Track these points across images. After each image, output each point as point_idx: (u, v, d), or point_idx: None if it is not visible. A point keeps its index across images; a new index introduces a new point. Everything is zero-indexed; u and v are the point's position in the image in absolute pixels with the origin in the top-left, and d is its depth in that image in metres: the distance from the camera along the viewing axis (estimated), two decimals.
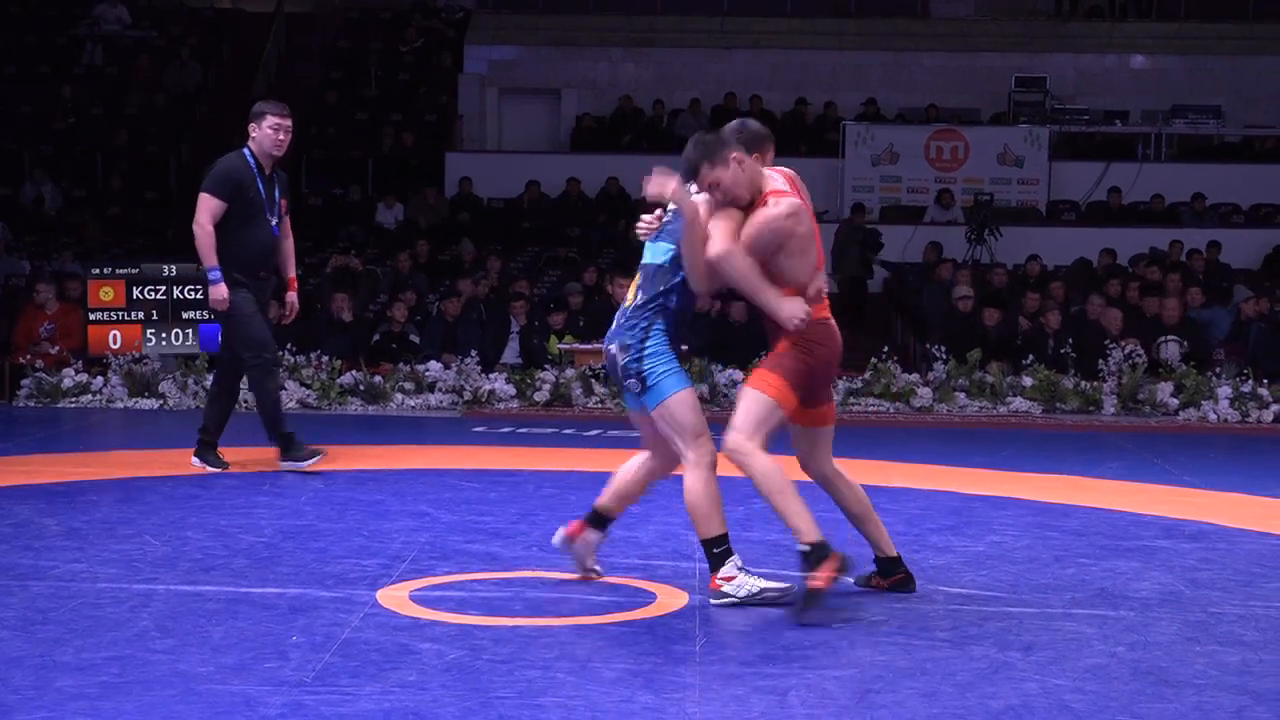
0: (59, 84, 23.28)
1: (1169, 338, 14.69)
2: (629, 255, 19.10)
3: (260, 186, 9.10)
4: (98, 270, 13.64)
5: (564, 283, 17.53)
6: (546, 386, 13.38)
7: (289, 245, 9.45)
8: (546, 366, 13.77)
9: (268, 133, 9.07)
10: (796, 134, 23.28)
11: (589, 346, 13.99)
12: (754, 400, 5.93)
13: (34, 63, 23.86)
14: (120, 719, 4.41)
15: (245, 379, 9.51)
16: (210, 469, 9.22)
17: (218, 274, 9.00)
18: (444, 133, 23.04)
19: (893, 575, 6.25)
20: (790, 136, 23.19)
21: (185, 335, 12.99)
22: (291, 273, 9.52)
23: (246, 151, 9.14)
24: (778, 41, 24.44)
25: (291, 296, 9.51)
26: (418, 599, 5.94)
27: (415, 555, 6.78)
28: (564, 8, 25.16)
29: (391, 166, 21.85)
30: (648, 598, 6.04)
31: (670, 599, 6.00)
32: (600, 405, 13.25)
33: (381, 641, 5.29)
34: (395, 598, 5.95)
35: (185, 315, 12.94)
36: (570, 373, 13.52)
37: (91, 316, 13.67)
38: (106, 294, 13.47)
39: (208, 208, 9.01)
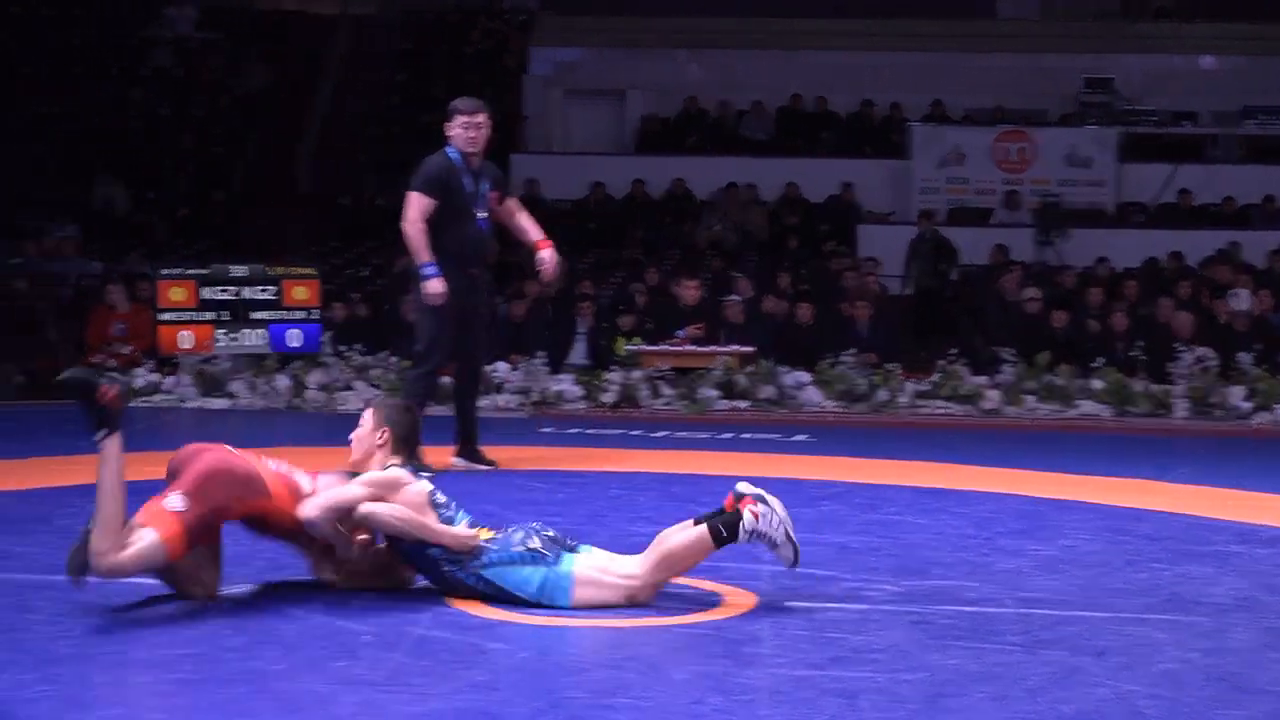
0: (128, 86, 23.47)
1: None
2: (694, 257, 19.13)
3: (465, 182, 9.19)
4: (167, 271, 13.75)
5: (628, 284, 17.54)
6: (614, 388, 13.40)
7: (521, 219, 9.61)
8: (614, 368, 13.78)
9: (458, 131, 9.19)
10: (862, 135, 23.25)
11: (656, 348, 13.99)
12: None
13: (103, 65, 24.06)
14: (195, 715, 4.44)
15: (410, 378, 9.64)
16: (478, 467, 9.44)
17: (433, 269, 9.09)
18: (509, 134, 23.08)
19: None
20: (855, 138, 23.17)
21: (255, 335, 13.09)
22: (538, 235, 9.57)
23: (450, 149, 9.21)
24: (843, 43, 24.37)
25: (546, 254, 9.51)
26: None
27: None
28: (628, 9, 25.17)
29: None
30: (715, 599, 6.02)
31: (738, 600, 5.99)
32: (668, 407, 13.24)
33: (452, 641, 5.30)
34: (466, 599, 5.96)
35: (254, 315, 13.03)
36: (637, 374, 13.53)
37: (162, 317, 13.80)
38: (177, 294, 13.59)
39: (417, 205, 9.11)
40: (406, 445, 6.03)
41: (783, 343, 14.74)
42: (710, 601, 5.98)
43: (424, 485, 5.85)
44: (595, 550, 5.88)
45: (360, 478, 5.82)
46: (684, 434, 11.87)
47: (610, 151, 23.99)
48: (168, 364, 13.94)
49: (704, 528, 5.82)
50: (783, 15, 24.79)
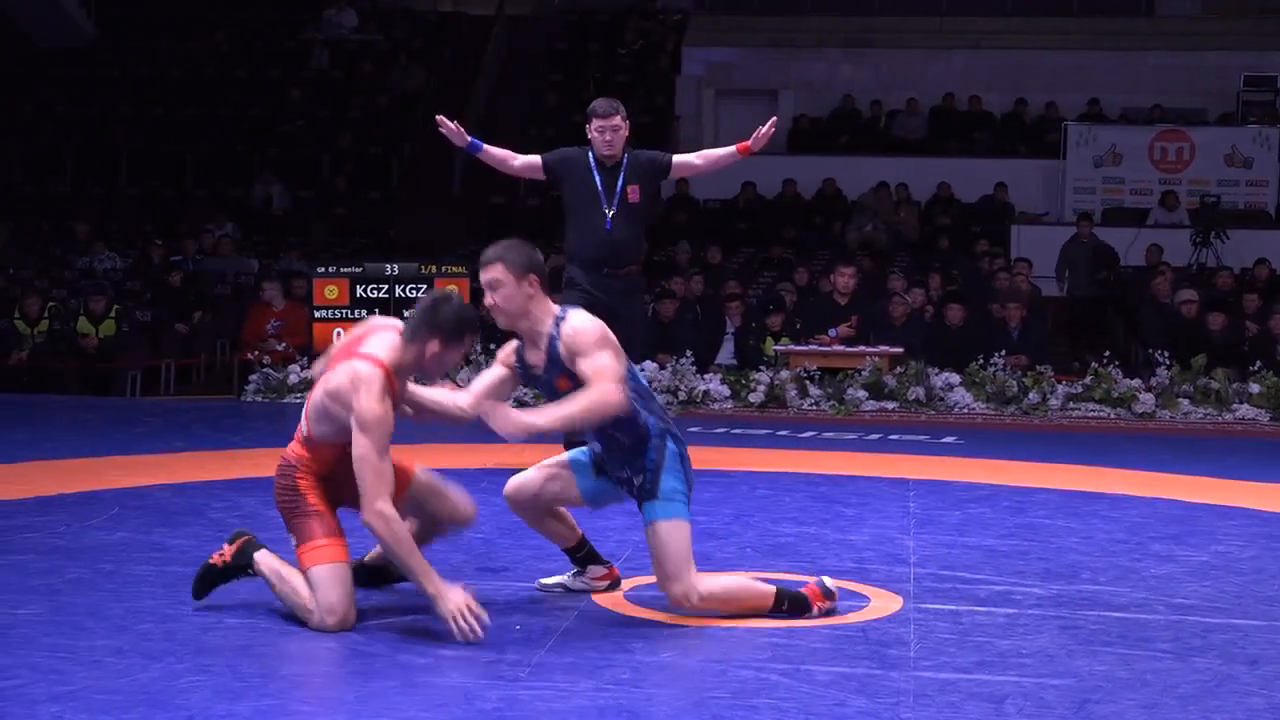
0: (287, 87, 23.84)
1: None
2: (844, 257, 19.05)
3: (596, 178, 9.03)
4: (322, 269, 13.97)
5: (778, 284, 17.50)
6: (761, 388, 13.38)
7: (706, 155, 9.44)
8: (761, 368, 13.76)
9: (594, 135, 9.06)
10: (1016, 135, 23.00)
11: (805, 348, 13.95)
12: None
13: (263, 67, 24.46)
14: (341, 708, 4.50)
15: None
16: None
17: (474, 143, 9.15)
18: (661, 134, 23.13)
19: None
20: (1010, 137, 22.93)
21: None
22: (730, 147, 9.33)
23: (589, 149, 9.14)
24: (997, 41, 24.11)
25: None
26: (632, 598, 5.98)
27: (630, 554, 6.81)
28: (781, 9, 25.12)
29: None
30: (861, 601, 5.99)
31: (884, 603, 5.95)
32: (815, 407, 13.20)
33: (596, 639, 5.32)
34: (610, 596, 5.99)
35: (407, 313, 13.15)
36: (785, 374, 13.50)
37: (316, 314, 14.03)
38: (331, 292, 13.80)
39: (531, 157, 9.22)
40: (548, 282, 5.67)
41: (932, 344, 14.63)
42: (856, 603, 5.96)
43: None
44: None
45: (591, 343, 5.44)
46: (831, 434, 11.83)
47: (762, 151, 23.90)
48: (313, 358, 14.13)
49: (775, 588, 5.70)
50: (936, 14, 24.60)
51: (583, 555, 6.03)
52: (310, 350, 14.23)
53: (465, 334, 5.55)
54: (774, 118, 9.31)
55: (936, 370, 13.54)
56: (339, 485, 5.55)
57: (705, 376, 13.69)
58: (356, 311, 13.81)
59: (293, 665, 4.92)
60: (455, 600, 5.21)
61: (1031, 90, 23.44)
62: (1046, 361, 14.14)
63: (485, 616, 5.20)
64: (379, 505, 5.24)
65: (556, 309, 5.57)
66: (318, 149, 22.97)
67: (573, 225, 9.10)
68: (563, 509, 5.94)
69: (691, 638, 5.36)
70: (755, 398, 13.35)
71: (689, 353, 13.92)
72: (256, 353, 14.56)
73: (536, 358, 5.61)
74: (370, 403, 5.30)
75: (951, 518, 8.03)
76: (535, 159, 9.13)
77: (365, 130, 23.16)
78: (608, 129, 8.99)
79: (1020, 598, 6.09)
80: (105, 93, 23.99)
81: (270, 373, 13.95)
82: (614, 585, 6.06)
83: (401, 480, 5.62)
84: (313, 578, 5.40)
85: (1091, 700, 4.72)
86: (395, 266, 13.62)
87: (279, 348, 14.80)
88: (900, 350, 13.92)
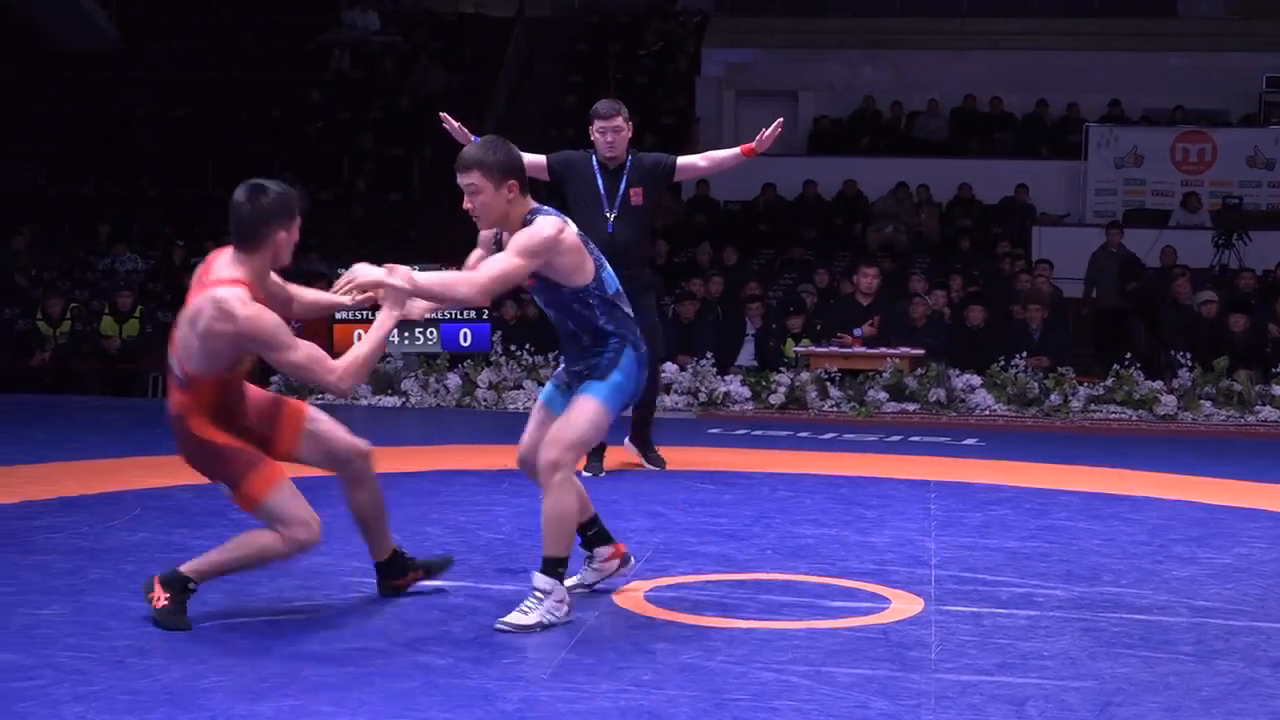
0: (308, 89, 23.88)
1: None
2: (865, 258, 19.02)
3: (600, 181, 9.03)
4: (343, 270, 13.93)
5: (798, 285, 17.49)
6: (782, 389, 13.37)
7: (709, 156, 9.35)
8: (782, 369, 13.76)
9: (596, 136, 9.06)
10: (1038, 136, 22.96)
11: (826, 349, 13.94)
12: None
13: (284, 69, 24.50)
14: (364, 709, 4.51)
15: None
16: (646, 465, 9.50)
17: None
18: (681, 135, 23.12)
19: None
20: (1031, 138, 22.89)
21: (427, 335, 13.25)
22: (734, 149, 9.25)
23: (593, 152, 9.12)
24: (1018, 42, 24.06)
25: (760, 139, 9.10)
26: (652, 599, 5.98)
27: (650, 555, 6.82)
28: (801, 10, 25.10)
29: None
30: (882, 603, 5.99)
31: (905, 605, 5.95)
32: (836, 409, 13.19)
33: (617, 640, 5.33)
34: (630, 597, 5.99)
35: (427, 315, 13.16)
36: (806, 376, 13.49)
37: (336, 316, 14.01)
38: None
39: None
40: (529, 182, 5.66)
41: (954, 345, 14.61)
42: (878, 605, 5.95)
43: (569, 224, 5.59)
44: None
45: (516, 244, 5.48)
46: (852, 436, 11.82)
47: (782, 152, 23.92)
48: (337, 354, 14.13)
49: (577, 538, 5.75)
50: (957, 15, 24.57)
51: (594, 534, 6.03)
52: (331, 351, 14.25)
53: (297, 208, 5.55)
54: (780, 119, 9.29)
55: (958, 372, 13.52)
56: (230, 409, 5.51)
57: (725, 378, 13.68)
58: (377, 313, 13.81)
59: (314, 666, 4.93)
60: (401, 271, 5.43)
61: (1053, 91, 23.39)
62: (1068, 363, 14.11)
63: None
64: (332, 377, 5.39)
65: (530, 208, 5.59)
66: (338, 150, 23.01)
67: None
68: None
69: (713, 639, 5.36)
70: (776, 399, 13.34)
71: (709, 354, 13.91)
72: None
73: None
74: (249, 311, 5.27)
75: (973, 519, 8.02)
76: (540, 159, 9.06)
77: (386, 132, 23.19)
78: (609, 130, 8.98)
79: (1042, 600, 6.08)
80: (126, 94, 24.05)
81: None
82: (624, 562, 6.09)
83: (298, 414, 5.68)
84: (268, 506, 5.39)
85: (1114, 703, 4.71)
86: (417, 268, 13.64)
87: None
88: (921, 352, 13.90)
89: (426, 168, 22.64)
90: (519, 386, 13.54)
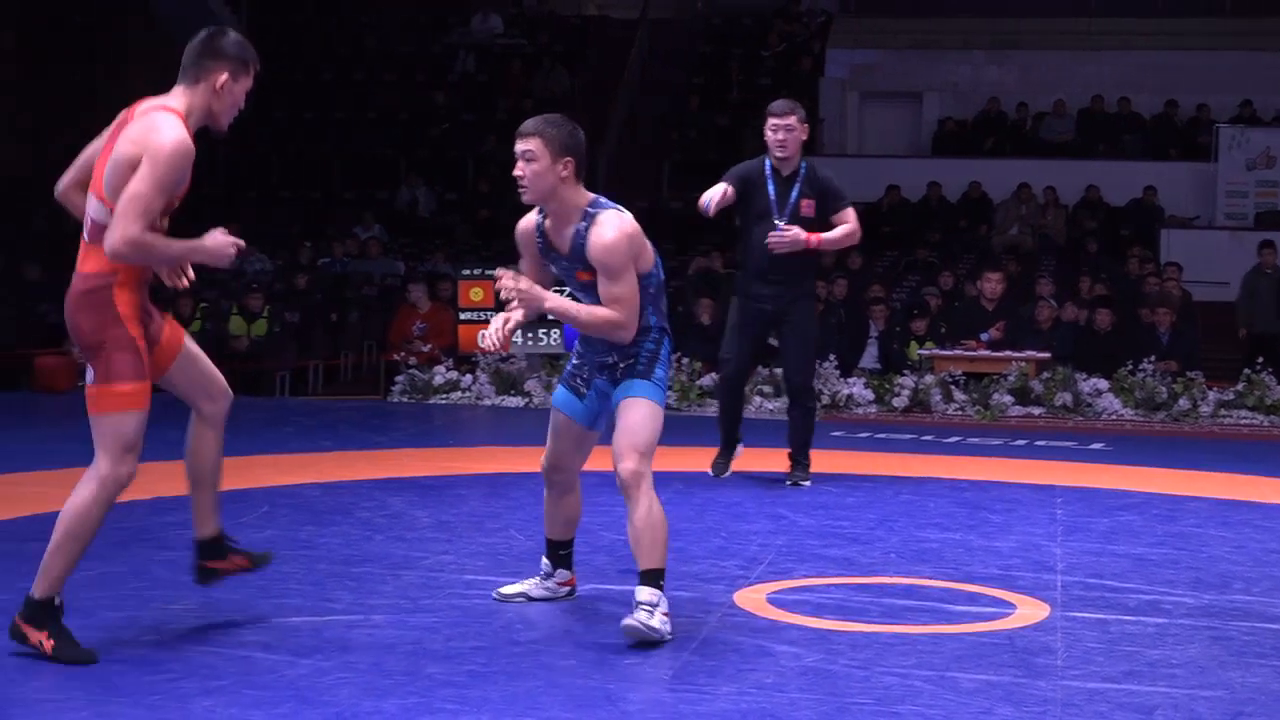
0: (433, 91, 24.07)
1: None
2: (990, 261, 18.86)
3: (770, 188, 8.79)
4: (468, 271, 14.08)
5: (922, 288, 17.38)
6: (905, 392, 13.30)
7: (837, 236, 8.89)
8: (906, 372, 13.68)
9: (768, 134, 8.84)
10: (1167, 137, 22.65)
11: (950, 352, 13.83)
12: None
13: (410, 71, 24.72)
14: (486, 707, 4.53)
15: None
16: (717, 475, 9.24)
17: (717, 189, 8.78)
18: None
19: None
20: (1160, 139, 22.58)
21: (550, 335, 13.30)
22: (820, 236, 8.81)
23: (766, 156, 8.89)
24: (1147, 42, 23.75)
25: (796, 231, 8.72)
26: (775, 601, 5.96)
27: (773, 558, 6.81)
28: (926, 10, 24.93)
29: None
30: (1007, 608, 5.93)
31: (1030, 611, 5.89)
32: (960, 412, 13.09)
33: (739, 642, 5.32)
34: (752, 599, 5.98)
35: (550, 316, 13.20)
36: (930, 378, 13.40)
37: (461, 316, 14.17)
38: (476, 294, 13.92)
39: (713, 188, 8.76)
40: (584, 165, 5.44)
41: (1080, 349, 14.44)
42: (1003, 611, 5.89)
43: (631, 216, 5.42)
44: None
45: (609, 266, 5.30)
46: (976, 440, 11.71)
47: (906, 154, 23.81)
48: (466, 362, 14.26)
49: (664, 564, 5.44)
50: (1085, 14, 24.29)
51: (566, 554, 5.85)
52: (455, 352, 14.37)
53: (250, 61, 5.24)
54: (789, 235, 8.71)
55: (1084, 376, 13.37)
56: (144, 295, 5.14)
57: (849, 380, 13.62)
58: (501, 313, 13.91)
59: (438, 664, 4.96)
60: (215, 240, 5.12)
61: (1182, 91, 23.05)
62: (1197, 367, 13.90)
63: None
64: (131, 230, 4.82)
65: (588, 200, 5.41)
66: (463, 152, 23.17)
67: (745, 234, 8.90)
68: (580, 501, 5.82)
69: (835, 642, 5.33)
70: (899, 402, 13.26)
71: (832, 356, 13.86)
72: (403, 354, 14.71)
73: (561, 242, 5.49)
74: (169, 134, 4.89)
75: (1099, 525, 7.93)
76: (720, 186, 8.76)
77: (510, 133, 23.26)
78: (780, 128, 8.77)
79: (1170, 607, 5.99)
80: (256, 97, 24.32)
81: (416, 374, 14.08)
82: (570, 594, 5.87)
83: (178, 335, 5.33)
84: (120, 421, 4.97)
85: (1244, 713, 4.64)
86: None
87: (424, 349, 14.93)
88: (1047, 355, 13.76)
89: None
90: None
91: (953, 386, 13.33)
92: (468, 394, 13.83)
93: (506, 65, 24.60)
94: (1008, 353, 13.73)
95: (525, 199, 5.44)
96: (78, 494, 4.97)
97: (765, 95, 24.17)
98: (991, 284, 14.44)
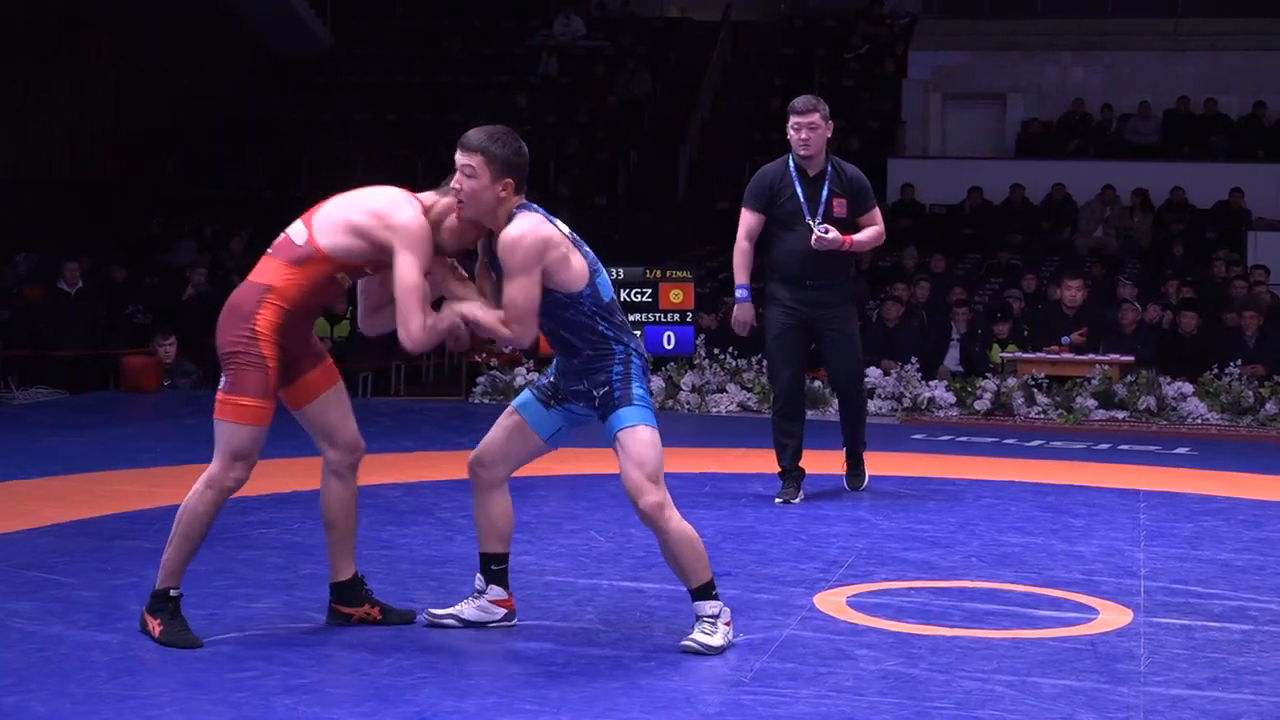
0: (515, 93, 24.16)
1: None
2: (1074, 263, 18.73)
3: (798, 189, 8.54)
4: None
5: (1005, 290, 17.27)
6: (988, 395, 13.22)
7: (867, 237, 8.56)
8: (988, 375, 13.60)
9: (790, 133, 8.56)
10: (1254, 138, 22.38)
11: (1032, 355, 13.75)
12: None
13: (493, 73, 24.82)
14: (565, 707, 4.55)
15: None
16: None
17: (742, 292, 8.62)
18: (887, 139, 22.99)
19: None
20: (1247, 141, 22.32)
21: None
22: (851, 238, 8.47)
23: (790, 155, 8.65)
24: (1235, 43, 23.48)
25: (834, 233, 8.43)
26: (855, 604, 5.95)
27: (853, 561, 6.79)
28: (1011, 12, 24.78)
29: None
30: (1090, 613, 5.89)
31: (1113, 616, 5.84)
32: (1043, 416, 13.00)
33: (818, 645, 5.31)
34: (832, 602, 5.97)
35: (631, 317, 13.22)
36: (1012, 381, 13.32)
37: None
38: None
39: (742, 222, 8.63)
40: (524, 185, 5.26)
41: (1165, 352, 14.31)
42: (1085, 616, 5.85)
43: (560, 228, 5.26)
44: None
45: (508, 265, 5.12)
46: (1059, 444, 11.63)
47: (989, 156, 23.66)
48: (547, 363, 14.28)
49: (711, 576, 5.32)
50: (1171, 15, 24.06)
51: (500, 570, 5.54)
52: (536, 353, 14.41)
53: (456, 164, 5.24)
54: (828, 235, 8.45)
55: (1169, 379, 13.25)
56: (298, 323, 5.29)
57: (930, 383, 13.56)
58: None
59: (517, 664, 4.99)
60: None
61: (1270, 93, 22.77)
62: None
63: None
64: (418, 328, 5.03)
65: (516, 205, 5.23)
66: (544, 154, 23.23)
67: (775, 239, 8.61)
68: (510, 509, 5.58)
69: (916, 646, 5.31)
70: (981, 405, 13.19)
71: (914, 359, 13.80)
72: (484, 355, 14.77)
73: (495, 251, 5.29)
74: (416, 218, 5.13)
75: (1184, 530, 7.86)
76: (750, 218, 8.61)
77: (592, 136, 23.37)
78: (803, 126, 8.47)
79: (1256, 614, 5.93)
80: (340, 99, 24.55)
81: (498, 374, 14.14)
82: (508, 619, 5.54)
83: (331, 376, 5.43)
84: (236, 432, 5.10)
85: None
86: (620, 271, 13.69)
87: (506, 350, 14.98)
88: (1131, 359, 13.64)
89: (632, 172, 22.77)
90: (722, 390, 13.56)
91: (1035, 390, 13.25)
92: None
93: (589, 67, 24.66)
94: (1091, 356, 13.63)
95: (462, 214, 5.24)
96: (191, 493, 5.21)
97: (848, 97, 24.18)
98: (1072, 291, 14.33)
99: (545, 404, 5.44)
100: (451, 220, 5.24)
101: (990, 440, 11.82)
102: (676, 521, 5.21)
